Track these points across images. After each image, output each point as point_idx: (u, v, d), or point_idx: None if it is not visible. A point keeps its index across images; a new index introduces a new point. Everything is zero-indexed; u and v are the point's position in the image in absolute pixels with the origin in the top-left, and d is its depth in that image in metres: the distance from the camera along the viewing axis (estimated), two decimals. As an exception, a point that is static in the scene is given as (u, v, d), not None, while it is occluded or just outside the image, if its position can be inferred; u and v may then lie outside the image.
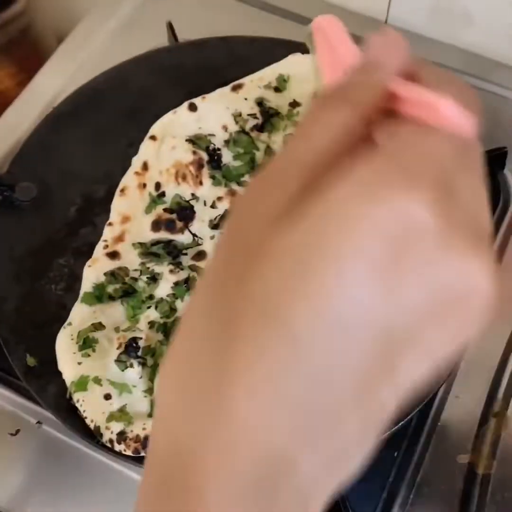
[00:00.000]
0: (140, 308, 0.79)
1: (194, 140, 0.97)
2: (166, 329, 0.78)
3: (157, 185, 0.92)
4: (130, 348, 0.74)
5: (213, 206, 0.90)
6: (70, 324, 0.79)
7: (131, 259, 0.85)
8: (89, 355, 0.76)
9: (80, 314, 0.79)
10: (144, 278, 0.83)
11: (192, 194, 0.91)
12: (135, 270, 0.83)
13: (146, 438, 0.69)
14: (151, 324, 0.78)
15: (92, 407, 0.75)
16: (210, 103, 1.01)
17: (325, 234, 0.26)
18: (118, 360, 0.74)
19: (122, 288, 0.81)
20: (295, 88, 1.00)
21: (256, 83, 0.98)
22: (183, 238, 0.92)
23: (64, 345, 0.77)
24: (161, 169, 0.97)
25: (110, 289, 0.81)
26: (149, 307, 0.80)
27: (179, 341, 0.30)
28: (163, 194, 0.91)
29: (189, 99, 0.96)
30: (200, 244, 0.87)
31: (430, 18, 1.03)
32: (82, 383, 0.75)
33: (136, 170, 0.97)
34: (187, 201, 0.94)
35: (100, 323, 0.77)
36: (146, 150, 0.99)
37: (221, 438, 0.26)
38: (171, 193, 0.90)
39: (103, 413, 0.72)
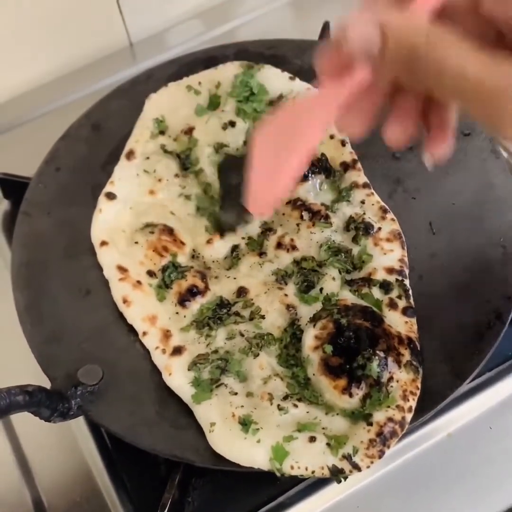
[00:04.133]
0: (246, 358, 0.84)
1: (147, 224, 0.96)
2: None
3: (149, 273, 0.95)
4: (278, 396, 0.80)
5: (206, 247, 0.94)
6: (213, 423, 0.79)
7: (192, 339, 0.88)
8: (258, 429, 0.77)
9: (211, 410, 0.81)
10: (222, 342, 0.86)
11: (185, 254, 0.96)
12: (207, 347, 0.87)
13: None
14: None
15: (307, 459, 0.76)
16: (122, 182, 1.02)
17: None
18: (280, 409, 0.78)
19: (216, 365, 0.83)
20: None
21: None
22: (211, 295, 0.93)
23: (231, 438, 0.78)
24: (138, 260, 0.96)
25: (206, 375, 0.83)
26: (257, 355, 0.83)
27: None
28: (161, 275, 0.95)
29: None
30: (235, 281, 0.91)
31: None
32: (279, 452, 0.77)
33: (119, 278, 0.95)
34: (185, 266, 0.95)
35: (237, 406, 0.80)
36: (108, 258, 0.97)
37: None
38: (167, 270, 0.95)
39: (323, 453, 0.74)
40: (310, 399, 0.80)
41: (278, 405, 0.78)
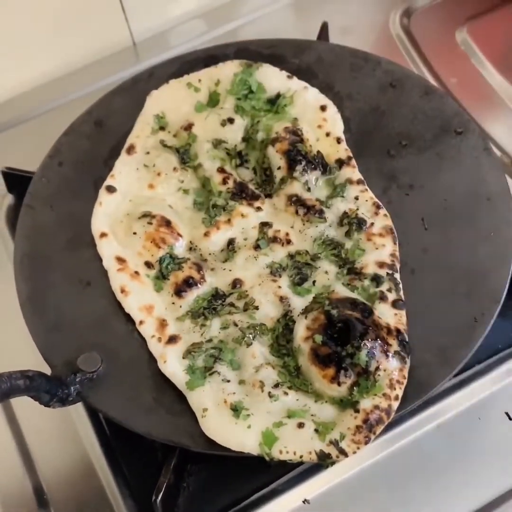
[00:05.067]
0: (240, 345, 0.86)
1: (145, 214, 0.98)
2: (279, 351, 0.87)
3: (147, 264, 0.97)
4: (269, 384, 0.82)
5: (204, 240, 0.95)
6: (206, 409, 0.82)
7: (188, 329, 0.89)
8: (248, 415, 0.79)
9: (204, 396, 0.83)
10: (217, 331, 0.88)
11: (181, 246, 0.96)
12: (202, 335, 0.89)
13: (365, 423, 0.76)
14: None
15: (296, 444, 0.78)
16: (122, 176, 1.04)
17: None
18: (270, 396, 0.80)
19: (209, 354, 0.85)
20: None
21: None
22: (207, 286, 0.95)
23: (222, 424, 0.80)
24: (136, 251, 0.98)
25: (200, 363, 0.85)
26: (250, 344, 0.85)
27: None
28: (158, 266, 0.96)
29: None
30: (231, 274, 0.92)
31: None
32: (269, 437, 0.79)
33: (117, 269, 0.96)
34: (182, 258, 0.97)
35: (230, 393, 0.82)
36: (107, 249, 0.98)
37: None
38: (164, 261, 0.96)
39: (311, 438, 0.76)
40: (300, 387, 0.82)
41: (269, 393, 0.80)
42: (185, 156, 1.02)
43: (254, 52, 1.13)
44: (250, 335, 0.86)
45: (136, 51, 1.34)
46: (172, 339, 0.88)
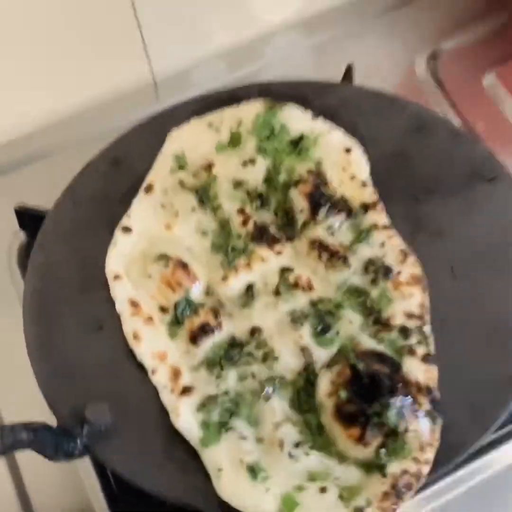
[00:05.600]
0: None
1: (161, 256, 0.94)
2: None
3: (161, 309, 0.93)
4: (289, 442, 0.77)
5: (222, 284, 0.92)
6: (220, 469, 0.77)
7: (203, 379, 0.84)
8: (267, 477, 0.75)
9: (219, 455, 0.78)
10: (233, 383, 0.83)
11: (198, 290, 0.93)
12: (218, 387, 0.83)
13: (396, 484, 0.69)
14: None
15: (318, 511, 0.73)
16: (139, 216, 1.01)
17: None
18: (291, 456, 0.75)
19: (225, 408, 0.81)
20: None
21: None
22: (224, 333, 0.90)
23: (238, 485, 0.75)
24: (151, 294, 0.94)
25: (215, 418, 0.80)
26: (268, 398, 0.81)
27: None
28: (173, 311, 0.92)
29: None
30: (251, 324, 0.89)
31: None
32: (289, 502, 0.74)
33: (130, 313, 0.92)
34: (199, 302, 0.92)
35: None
36: (121, 292, 0.95)
37: None
38: (179, 306, 0.92)
39: (335, 505, 0.70)
40: (323, 447, 0.77)
41: (289, 453, 0.75)
42: (204, 197, 1.00)
43: (277, 93, 1.09)
44: (269, 388, 0.81)
45: (156, 89, 1.33)
46: (186, 390, 0.83)
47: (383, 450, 0.74)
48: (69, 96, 1.26)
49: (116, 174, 1.05)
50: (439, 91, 1.24)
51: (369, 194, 0.99)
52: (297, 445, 0.76)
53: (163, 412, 0.82)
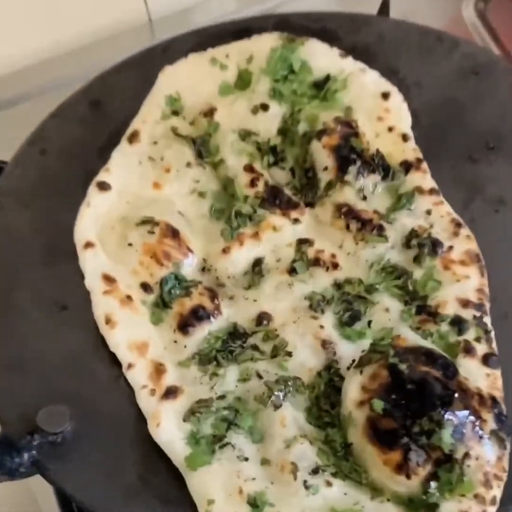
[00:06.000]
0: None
1: (146, 220, 0.81)
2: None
3: (144, 287, 0.79)
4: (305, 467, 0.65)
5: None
6: (212, 501, 0.65)
7: (193, 379, 0.73)
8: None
9: (211, 480, 0.66)
10: (233, 384, 0.72)
11: (191, 264, 0.81)
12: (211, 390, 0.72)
13: None
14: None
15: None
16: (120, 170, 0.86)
17: None
18: (306, 487, 0.64)
19: (221, 417, 0.69)
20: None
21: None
22: (223, 320, 0.76)
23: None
24: (131, 268, 0.79)
25: (208, 430, 0.69)
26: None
27: None
28: (159, 290, 0.79)
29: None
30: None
31: None
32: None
33: (103, 290, 0.77)
34: (192, 280, 0.79)
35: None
36: (92, 264, 0.79)
37: None
38: (166, 283, 0.79)
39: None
40: (350, 476, 0.66)
41: (305, 482, 0.64)
42: (203, 149, 0.87)
43: (298, 26, 0.95)
44: (280, 393, 0.69)
45: (152, 29, 1.18)
46: (171, 392, 0.71)
47: (433, 484, 0.62)
48: (49, 34, 1.14)
49: (95, 120, 0.92)
50: (489, 35, 1.12)
51: (411, 150, 0.87)
52: (315, 471, 0.65)
53: (140, 421, 0.71)
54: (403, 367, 0.65)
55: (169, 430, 0.68)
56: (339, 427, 0.67)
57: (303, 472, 0.64)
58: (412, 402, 0.64)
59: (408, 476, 0.62)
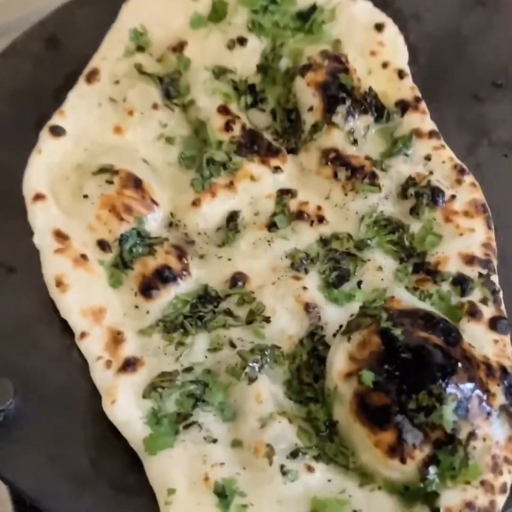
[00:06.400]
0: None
1: (104, 168, 0.74)
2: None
3: (101, 245, 0.72)
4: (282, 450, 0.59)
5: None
6: (172, 491, 0.58)
7: (155, 349, 0.67)
8: (245, 507, 0.57)
9: (173, 466, 0.59)
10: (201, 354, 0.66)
11: (156, 219, 0.75)
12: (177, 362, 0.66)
13: None
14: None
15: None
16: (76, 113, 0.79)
17: None
18: (284, 473, 0.58)
19: (187, 392, 0.64)
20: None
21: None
22: (192, 282, 0.70)
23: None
24: (86, 223, 0.72)
25: (171, 407, 0.63)
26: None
27: None
28: (118, 249, 0.72)
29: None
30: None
31: None
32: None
33: (54, 249, 0.70)
34: (157, 237, 0.72)
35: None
36: (42, 219, 0.72)
37: None
38: (127, 240, 0.72)
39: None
40: (335, 459, 0.60)
41: (282, 467, 0.58)
42: (171, 89, 0.82)
43: None
44: (255, 364, 0.64)
45: None
46: (129, 364, 0.65)
47: (432, 469, 0.56)
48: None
49: (51, 58, 0.86)
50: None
51: (408, 88, 0.82)
52: (294, 454, 0.59)
53: (94, 397, 0.65)
54: (397, 332, 0.59)
55: (126, 407, 0.62)
56: (323, 402, 0.62)
57: (280, 456, 0.58)
58: (408, 373, 0.57)
59: (402, 460, 0.56)
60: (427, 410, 0.56)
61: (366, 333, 0.60)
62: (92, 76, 0.81)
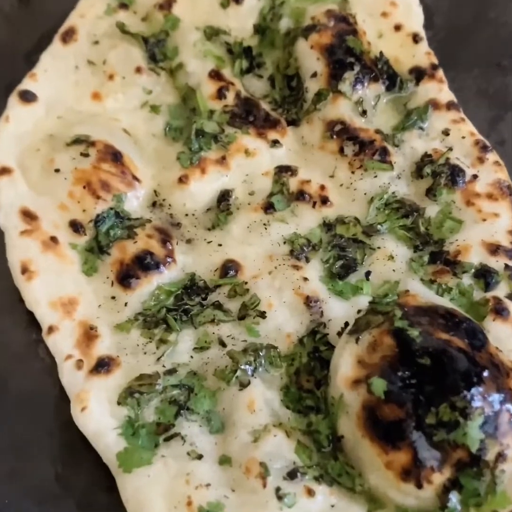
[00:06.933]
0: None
1: (79, 139, 0.67)
2: None
3: (73, 226, 0.65)
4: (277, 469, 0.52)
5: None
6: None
7: (134, 347, 0.60)
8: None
9: (151, 486, 0.52)
10: (187, 354, 0.59)
11: (138, 197, 0.68)
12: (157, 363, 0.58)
13: None
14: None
15: None
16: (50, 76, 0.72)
17: None
18: (280, 496, 0.52)
19: (169, 398, 0.56)
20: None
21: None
22: (177, 270, 0.63)
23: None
24: (58, 201, 0.64)
25: (150, 415, 0.56)
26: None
27: None
28: (94, 231, 0.65)
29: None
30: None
31: None
32: None
33: (20, 230, 0.62)
34: (138, 218, 0.65)
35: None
36: (8, 196, 0.65)
37: None
38: (104, 222, 0.65)
39: None
40: (340, 480, 0.54)
41: (278, 490, 0.51)
42: (157, 51, 0.75)
43: None
44: (248, 367, 0.58)
45: None
46: (103, 365, 0.58)
47: (453, 496, 0.49)
48: None
49: (23, 18, 0.79)
50: None
51: (423, 54, 0.75)
52: (292, 474, 0.53)
53: (62, 402, 0.59)
54: (414, 333, 0.52)
55: (98, 416, 0.56)
56: (326, 413, 0.56)
57: (276, 476, 0.53)
58: (426, 382, 0.51)
59: (418, 484, 0.50)
60: (449, 426, 0.49)
61: (377, 333, 0.53)
62: (69, 36, 0.75)
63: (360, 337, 0.54)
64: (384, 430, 0.49)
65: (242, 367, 0.57)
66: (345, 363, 0.53)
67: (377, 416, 0.50)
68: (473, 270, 0.61)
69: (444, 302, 0.57)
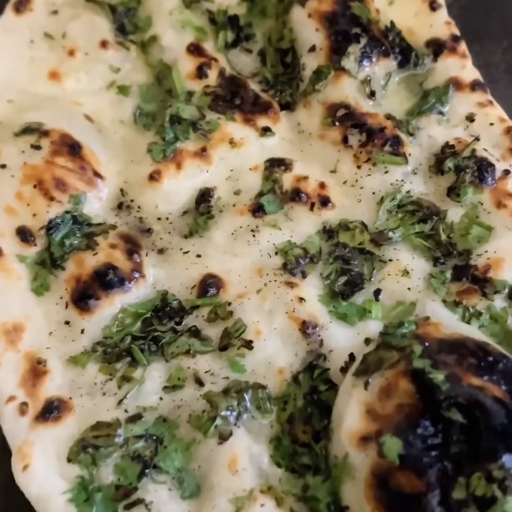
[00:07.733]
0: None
1: (30, 127, 0.61)
2: None
3: (21, 234, 0.57)
4: None
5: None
6: None
7: (91, 386, 0.52)
8: None
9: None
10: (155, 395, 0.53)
11: (100, 198, 0.61)
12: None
13: None
14: None
15: None
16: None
17: None
18: None
19: (132, 452, 0.49)
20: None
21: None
22: (146, 287, 0.55)
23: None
24: (4, 203, 0.57)
25: (107, 476, 0.49)
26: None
27: None
28: (46, 239, 0.57)
29: None
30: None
31: None
32: None
33: None
34: (100, 223, 0.57)
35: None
36: None
37: None
38: (58, 228, 0.57)
39: None
40: None
41: None
42: (126, 22, 0.71)
43: None
44: (229, 413, 0.49)
45: None
46: (52, 410, 0.53)
47: None
48: None
49: None
50: None
51: (442, 24, 0.70)
52: None
53: (3, 455, 0.50)
54: (438, 377, 0.44)
55: (43, 475, 0.51)
56: (327, 474, 0.47)
57: None
58: (454, 443, 0.41)
59: None
60: (483, 502, 0.40)
61: (391, 376, 0.44)
62: (23, 5, 0.71)
63: (369, 380, 0.45)
64: (400, 504, 0.39)
65: (223, 413, 0.49)
66: (351, 413, 0.45)
67: (390, 486, 0.40)
68: (507, 290, 0.54)
69: (473, 331, 0.49)
